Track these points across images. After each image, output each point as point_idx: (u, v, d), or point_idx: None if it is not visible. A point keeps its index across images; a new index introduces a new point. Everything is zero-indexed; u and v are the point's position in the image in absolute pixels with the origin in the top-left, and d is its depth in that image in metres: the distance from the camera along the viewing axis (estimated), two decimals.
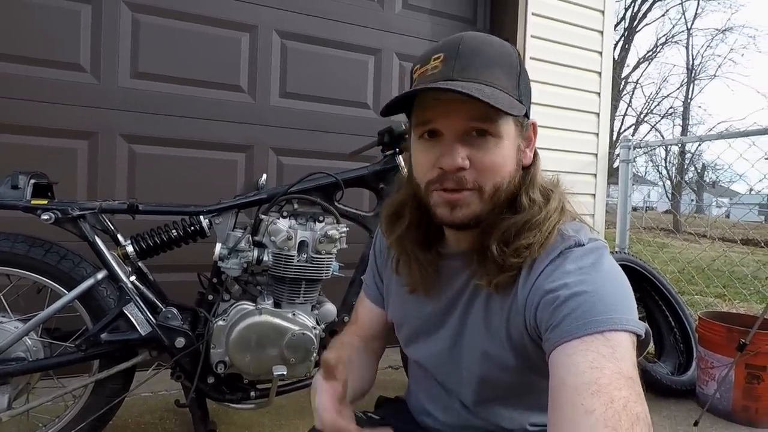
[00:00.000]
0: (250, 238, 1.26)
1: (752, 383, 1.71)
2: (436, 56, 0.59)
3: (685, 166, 14.58)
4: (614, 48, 15.68)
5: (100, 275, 1.18)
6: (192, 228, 1.28)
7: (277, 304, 1.28)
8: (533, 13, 2.36)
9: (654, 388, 1.90)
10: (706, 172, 16.32)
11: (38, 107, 1.71)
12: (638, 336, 0.51)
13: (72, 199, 1.22)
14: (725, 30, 17.54)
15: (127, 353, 1.22)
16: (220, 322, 1.24)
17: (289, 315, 1.26)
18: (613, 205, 2.81)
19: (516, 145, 0.61)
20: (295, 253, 1.25)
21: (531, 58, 2.35)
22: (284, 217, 1.28)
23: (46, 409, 1.25)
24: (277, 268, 1.25)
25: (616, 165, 2.73)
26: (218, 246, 1.25)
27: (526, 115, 0.63)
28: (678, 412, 1.80)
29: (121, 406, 1.27)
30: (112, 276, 1.20)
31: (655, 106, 18.40)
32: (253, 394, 1.30)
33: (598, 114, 2.61)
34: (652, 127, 18.03)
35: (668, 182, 15.39)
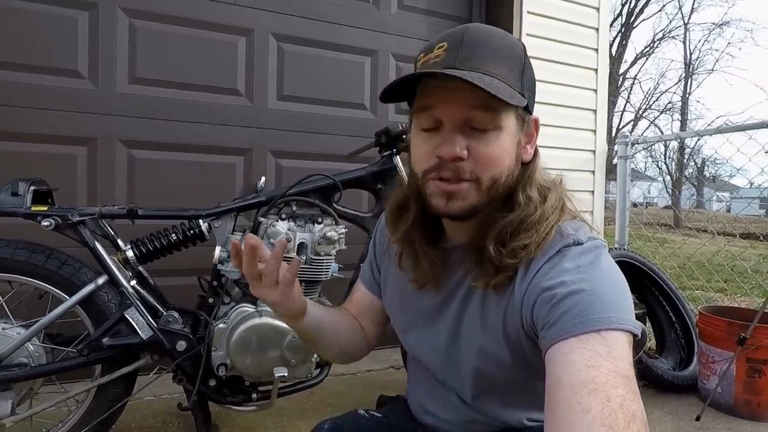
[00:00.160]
0: None
1: (753, 377, 1.71)
2: (440, 45, 0.59)
3: (685, 161, 14.56)
4: (611, 44, 15.69)
5: (100, 280, 1.19)
6: (191, 232, 1.28)
7: None
8: (528, 12, 2.36)
9: (656, 383, 1.90)
10: (705, 167, 16.32)
11: (37, 114, 1.72)
12: (635, 336, 0.51)
13: (72, 205, 1.24)
14: (722, 24, 17.58)
15: (128, 357, 1.23)
16: (221, 325, 1.24)
17: None
18: (614, 201, 2.81)
19: (516, 139, 0.61)
20: (294, 255, 1.25)
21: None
22: (283, 220, 1.28)
23: (49, 414, 1.25)
24: None
25: (615, 161, 2.72)
26: (218, 249, 1.26)
27: (528, 111, 0.62)
28: (680, 407, 1.80)
29: (123, 410, 1.27)
30: (113, 281, 1.21)
31: (654, 102, 18.41)
32: (254, 396, 1.31)
33: (595, 111, 2.62)
34: (651, 122, 18.05)
35: (668, 177, 15.38)
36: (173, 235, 1.28)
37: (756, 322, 1.67)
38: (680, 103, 17.60)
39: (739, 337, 1.67)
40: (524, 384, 0.65)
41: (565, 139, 2.51)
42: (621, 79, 17.43)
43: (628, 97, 18.33)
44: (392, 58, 2.30)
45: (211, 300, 1.28)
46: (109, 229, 1.25)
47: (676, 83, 18.32)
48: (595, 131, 2.63)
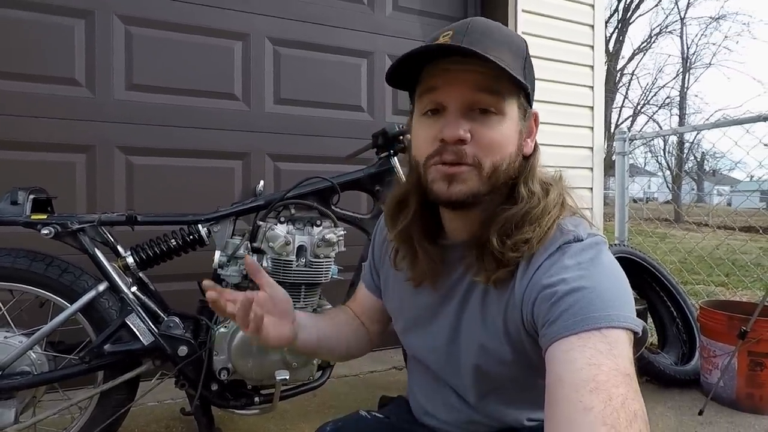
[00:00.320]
0: (249, 245, 1.27)
1: (755, 370, 1.71)
2: (445, 33, 0.59)
3: (685, 156, 14.55)
4: (608, 40, 15.70)
5: (101, 287, 1.19)
6: (191, 237, 1.29)
7: None
8: (523, 10, 2.37)
9: (658, 378, 1.90)
10: (705, 161, 16.31)
11: (35, 123, 1.72)
12: (635, 333, 0.51)
13: (71, 213, 1.24)
14: (719, 18, 17.54)
15: (130, 363, 1.23)
16: (222, 329, 1.25)
17: None
18: (613, 197, 2.81)
19: (518, 128, 0.61)
20: (293, 258, 1.26)
21: None
22: (282, 223, 1.28)
23: (52, 422, 1.26)
24: (276, 273, 1.26)
25: (614, 158, 2.73)
26: (217, 254, 1.26)
27: (530, 103, 0.63)
28: (682, 401, 1.80)
29: (126, 416, 1.27)
30: (114, 287, 1.21)
31: (652, 97, 18.41)
32: (256, 399, 1.31)
33: (592, 107, 2.62)
34: (650, 118, 18.03)
35: (668, 172, 15.37)
36: (173, 240, 1.29)
37: (756, 315, 1.67)
38: (678, 98, 17.61)
39: (740, 330, 1.68)
40: (525, 382, 0.64)
41: (563, 137, 2.51)
42: (619, 75, 17.44)
43: (626, 93, 18.36)
44: (388, 59, 2.31)
45: None
46: (109, 236, 1.26)
47: (674, 78, 18.30)
48: (592, 128, 2.63)
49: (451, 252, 0.67)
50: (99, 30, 1.81)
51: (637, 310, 0.53)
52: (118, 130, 1.84)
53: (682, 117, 17.21)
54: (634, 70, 18.38)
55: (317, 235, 1.28)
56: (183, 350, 1.22)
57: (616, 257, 0.58)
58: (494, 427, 0.69)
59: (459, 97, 0.58)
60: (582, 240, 0.57)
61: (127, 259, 1.25)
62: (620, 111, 18.27)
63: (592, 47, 2.60)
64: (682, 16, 17.69)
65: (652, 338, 2.28)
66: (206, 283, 0.63)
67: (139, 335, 1.20)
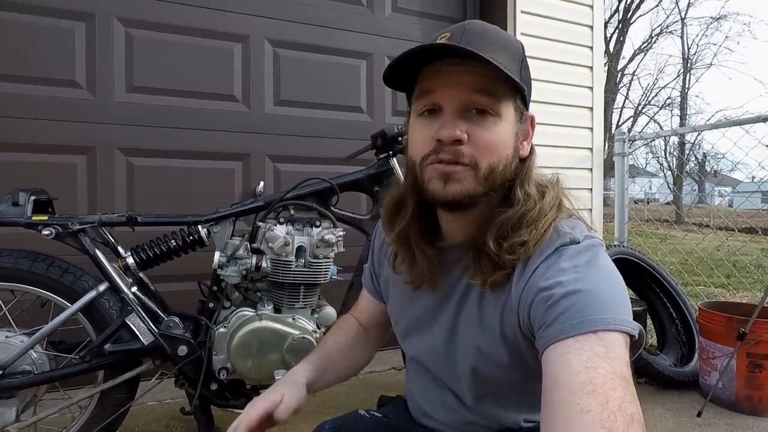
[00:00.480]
0: (248, 246, 1.28)
1: (754, 372, 1.71)
2: (442, 35, 0.60)
3: (686, 156, 14.53)
4: (609, 40, 15.68)
5: (101, 287, 1.20)
6: (191, 237, 1.29)
7: (277, 310, 1.30)
8: (522, 11, 2.38)
9: (657, 379, 1.90)
10: (706, 161, 16.27)
11: (36, 125, 1.73)
12: (632, 336, 0.51)
13: (72, 214, 1.24)
14: (719, 18, 17.53)
15: (130, 363, 1.24)
16: (222, 329, 1.25)
17: (289, 320, 1.28)
18: (614, 198, 2.81)
19: (515, 130, 0.61)
20: (293, 258, 1.26)
21: None
22: (281, 224, 1.29)
23: (53, 421, 1.27)
24: (275, 274, 1.27)
25: (615, 158, 2.73)
26: (217, 254, 1.27)
27: (526, 105, 0.63)
28: (681, 403, 1.80)
29: (126, 415, 1.28)
30: (114, 288, 1.22)
31: (653, 98, 18.39)
32: None
33: (591, 108, 2.62)
34: (651, 118, 18.01)
35: (669, 173, 15.35)
36: (173, 241, 1.29)
37: (755, 316, 1.67)
38: (679, 99, 17.59)
39: (738, 332, 1.68)
40: (522, 385, 0.65)
41: (562, 137, 2.51)
42: (619, 76, 17.43)
43: (627, 94, 18.34)
44: (387, 60, 2.31)
45: (211, 305, 1.30)
46: (109, 237, 1.27)
47: (675, 78, 18.31)
48: (592, 129, 2.63)
49: (448, 254, 0.67)
50: (99, 32, 1.82)
51: (636, 311, 0.53)
52: (118, 131, 1.85)
53: (683, 118, 17.20)
54: (634, 71, 18.41)
55: (316, 236, 1.28)
56: (183, 350, 1.23)
57: (616, 258, 0.59)
58: (492, 428, 0.69)
59: (455, 98, 0.58)
60: (579, 242, 0.57)
61: (128, 260, 1.26)
62: (621, 111, 18.28)
63: (591, 48, 2.61)
64: (683, 17, 17.71)
65: (652, 339, 2.28)
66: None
67: (139, 335, 1.21)
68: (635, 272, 2.20)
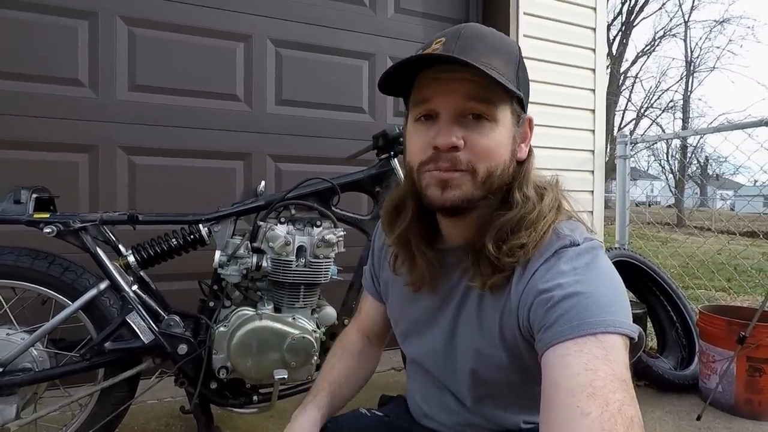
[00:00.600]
0: (249, 245, 1.28)
1: (754, 376, 1.71)
2: (437, 41, 0.60)
3: (688, 160, 14.51)
4: (612, 43, 15.66)
5: (102, 285, 1.20)
6: (192, 236, 1.30)
7: (277, 309, 1.30)
8: (525, 13, 2.37)
9: (656, 383, 1.90)
10: (709, 165, 16.25)
11: (39, 123, 1.74)
12: (631, 339, 0.51)
13: (74, 212, 1.25)
14: (723, 21, 17.49)
15: (131, 361, 1.24)
16: (222, 328, 1.25)
17: (289, 319, 1.28)
18: (615, 200, 2.81)
19: (512, 134, 0.61)
20: (293, 258, 1.27)
21: (525, 57, 2.35)
22: (282, 223, 1.29)
23: (53, 418, 1.27)
24: (276, 273, 1.27)
25: (616, 160, 2.72)
26: (218, 253, 1.27)
27: (523, 108, 0.63)
28: (681, 406, 1.80)
29: (126, 413, 1.28)
30: (115, 286, 1.22)
31: (656, 100, 18.36)
32: (255, 398, 1.32)
33: (593, 110, 2.62)
34: (653, 121, 17.99)
35: (671, 176, 15.32)
36: (174, 240, 1.30)
37: (755, 320, 1.67)
38: (682, 102, 17.55)
39: (739, 336, 1.67)
40: (521, 386, 0.65)
41: (564, 140, 2.51)
42: (622, 78, 17.40)
43: (630, 96, 18.31)
44: (389, 60, 2.31)
45: (211, 304, 1.30)
46: (111, 235, 1.27)
47: (678, 81, 18.28)
48: (593, 131, 2.63)
49: (448, 256, 0.68)
50: (102, 31, 1.83)
51: (636, 314, 0.54)
52: (120, 130, 1.85)
53: (685, 121, 17.16)
54: (637, 73, 18.36)
55: (317, 236, 1.29)
56: (183, 349, 1.23)
57: (616, 261, 0.59)
58: (492, 429, 0.69)
59: (451, 104, 0.58)
60: (578, 244, 0.57)
61: (129, 258, 1.26)
62: (623, 114, 18.26)
63: (594, 50, 2.60)
64: (686, 20, 17.67)
65: (652, 342, 2.28)
66: None
67: (139, 333, 1.21)
68: (636, 275, 2.19)
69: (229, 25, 2.01)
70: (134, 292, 1.24)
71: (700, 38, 30.69)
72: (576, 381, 0.46)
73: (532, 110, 0.66)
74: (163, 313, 1.27)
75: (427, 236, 0.68)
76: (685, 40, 17.86)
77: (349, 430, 0.76)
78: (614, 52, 16.36)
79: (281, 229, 1.27)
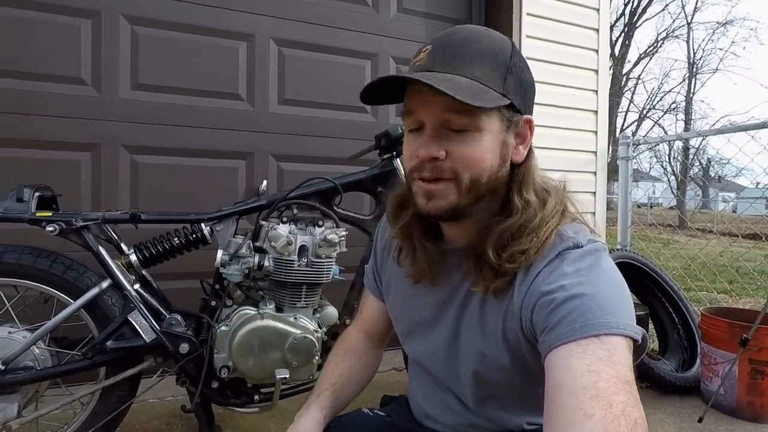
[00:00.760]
0: (251, 244, 1.28)
1: (756, 379, 1.70)
2: (425, 48, 0.60)
3: (690, 161, 14.49)
4: (614, 44, 15.64)
5: (104, 284, 1.21)
6: (194, 235, 1.30)
7: (278, 309, 1.30)
8: (528, 13, 2.37)
9: (658, 384, 1.90)
10: (711, 167, 16.22)
11: (41, 121, 1.74)
12: (635, 341, 0.51)
13: (76, 211, 1.25)
14: (726, 23, 17.49)
15: (132, 360, 1.24)
16: (223, 328, 1.25)
17: (291, 319, 1.28)
18: (617, 202, 2.80)
19: (500, 139, 0.60)
20: (295, 257, 1.26)
21: (527, 58, 2.34)
22: (284, 223, 1.29)
23: (54, 417, 1.27)
24: (278, 273, 1.27)
25: (618, 162, 2.72)
26: (220, 253, 1.27)
27: (519, 111, 0.61)
28: (682, 408, 1.79)
29: (128, 412, 1.28)
30: (117, 285, 1.22)
31: (658, 102, 18.34)
32: (256, 397, 1.32)
33: (596, 112, 2.62)
34: (655, 123, 17.97)
35: (672, 178, 15.30)
36: (176, 239, 1.30)
37: (758, 323, 1.66)
38: (684, 103, 17.53)
39: (741, 338, 1.67)
40: (524, 388, 0.65)
41: (566, 140, 2.51)
42: (624, 79, 17.39)
43: (632, 97, 18.30)
44: (392, 60, 2.31)
45: (213, 303, 1.30)
46: (113, 234, 1.27)
47: (680, 83, 18.28)
48: (596, 132, 2.63)
49: (450, 257, 0.68)
50: (105, 30, 1.83)
51: (638, 315, 0.53)
52: (123, 128, 1.85)
53: (687, 122, 17.13)
54: (640, 75, 18.35)
55: (319, 236, 1.28)
56: (184, 348, 1.23)
57: (618, 262, 0.59)
58: (494, 431, 0.69)
59: (432, 117, 0.58)
60: (581, 246, 0.57)
61: (131, 257, 1.26)
62: (625, 115, 18.24)
63: (597, 51, 2.60)
64: (689, 21, 17.64)
65: (653, 344, 2.27)
66: None
67: (141, 332, 1.21)
68: (637, 276, 2.19)
69: (231, 24, 2.01)
70: (136, 290, 1.24)
71: (703, 40, 30.66)
72: (579, 383, 0.46)
73: (534, 110, 0.65)
74: (164, 312, 1.27)
75: (429, 232, 0.68)
76: (687, 42, 17.83)
77: (352, 430, 0.76)
78: (617, 53, 16.34)
79: (283, 229, 1.27)
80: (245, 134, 2.04)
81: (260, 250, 1.28)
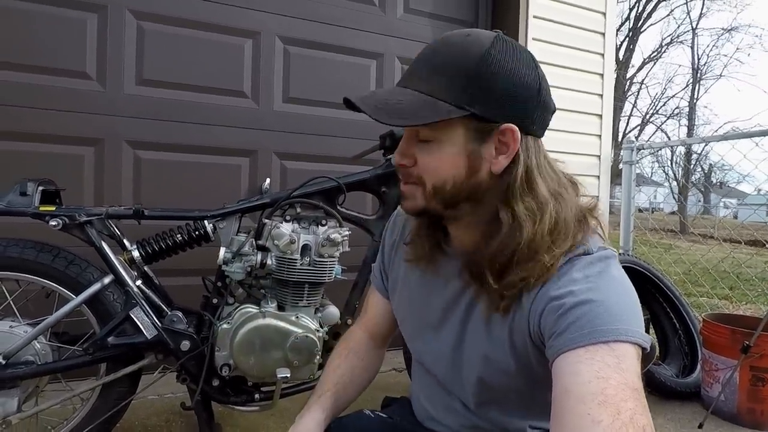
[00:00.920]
0: (254, 242, 1.28)
1: (757, 385, 1.70)
2: (416, 57, 0.63)
3: (692, 167, 14.49)
4: (619, 48, 15.63)
5: (106, 280, 1.20)
6: (197, 233, 1.29)
7: (280, 308, 1.30)
8: (534, 16, 2.37)
9: (658, 390, 1.89)
10: (713, 173, 16.22)
11: (46, 115, 1.74)
12: (643, 349, 0.51)
13: (79, 205, 1.25)
14: (731, 29, 17.44)
15: (133, 356, 1.24)
16: (225, 326, 1.25)
17: (293, 318, 1.28)
18: (620, 206, 2.80)
19: (467, 150, 0.58)
20: (298, 256, 1.26)
21: None
22: (287, 221, 1.29)
23: (54, 412, 1.27)
24: (280, 271, 1.26)
25: (621, 166, 2.72)
26: (222, 250, 1.27)
27: (493, 120, 0.57)
28: (683, 414, 1.79)
29: (127, 408, 1.28)
30: (119, 280, 1.22)
31: (661, 107, 18.32)
32: (257, 396, 1.31)
33: (600, 116, 2.61)
34: (658, 128, 17.93)
35: (674, 183, 15.30)
36: (178, 235, 1.29)
37: (760, 330, 1.66)
38: (687, 109, 17.52)
39: (742, 345, 1.66)
40: (527, 393, 0.65)
41: (570, 144, 2.50)
42: (628, 84, 17.37)
43: (635, 102, 18.29)
44: (398, 61, 2.31)
45: (215, 300, 1.29)
46: (116, 229, 1.27)
47: (684, 88, 18.21)
48: (600, 136, 2.62)
49: (453, 261, 0.68)
50: (111, 25, 1.83)
51: None
52: (127, 124, 1.85)
53: (690, 128, 17.12)
54: (643, 79, 18.32)
55: (322, 235, 1.28)
56: (185, 345, 1.23)
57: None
58: None
59: (405, 128, 0.62)
60: (591, 253, 0.57)
61: (133, 253, 1.26)
62: (629, 120, 18.22)
63: (603, 55, 2.60)
64: (694, 27, 17.65)
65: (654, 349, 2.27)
66: None
67: (142, 329, 1.21)
68: (639, 281, 2.18)
69: (237, 21, 2.01)
70: (138, 287, 1.24)
71: (708, 46, 30.64)
72: (587, 389, 0.46)
73: None
74: (166, 309, 1.27)
75: (435, 224, 0.69)
76: (692, 47, 17.82)
77: (354, 431, 0.75)
78: (621, 57, 16.33)
79: (286, 227, 1.26)
80: (249, 132, 2.03)
81: (263, 249, 1.28)
